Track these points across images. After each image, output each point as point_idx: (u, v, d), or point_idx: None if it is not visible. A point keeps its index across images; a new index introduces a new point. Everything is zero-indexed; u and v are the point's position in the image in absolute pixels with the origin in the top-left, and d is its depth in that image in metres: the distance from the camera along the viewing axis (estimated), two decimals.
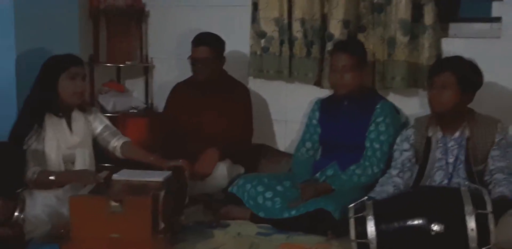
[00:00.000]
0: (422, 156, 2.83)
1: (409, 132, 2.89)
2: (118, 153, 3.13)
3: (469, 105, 2.82)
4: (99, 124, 3.14)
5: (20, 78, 3.21)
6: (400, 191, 2.82)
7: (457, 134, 2.78)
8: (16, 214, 2.53)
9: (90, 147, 3.09)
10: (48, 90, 2.92)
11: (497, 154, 2.74)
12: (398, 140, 2.93)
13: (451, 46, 3.24)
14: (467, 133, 2.76)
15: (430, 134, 2.82)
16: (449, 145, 2.80)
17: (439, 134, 2.81)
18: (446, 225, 2.31)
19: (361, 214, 2.42)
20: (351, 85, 3.09)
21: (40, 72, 2.96)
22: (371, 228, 2.39)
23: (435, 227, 2.32)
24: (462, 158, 2.77)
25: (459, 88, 2.72)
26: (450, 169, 2.79)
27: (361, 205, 2.49)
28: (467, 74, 2.75)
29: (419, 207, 2.40)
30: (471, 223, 2.28)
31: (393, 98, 3.35)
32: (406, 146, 2.88)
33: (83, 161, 3.02)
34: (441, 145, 2.81)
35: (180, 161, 2.96)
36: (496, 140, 2.74)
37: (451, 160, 2.79)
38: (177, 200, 2.77)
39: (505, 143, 2.75)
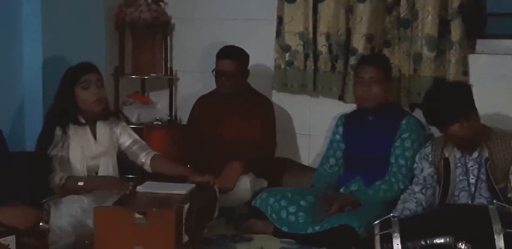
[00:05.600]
0: (443, 176, 2.80)
1: (427, 151, 2.86)
2: (147, 166, 3.14)
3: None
4: (128, 138, 3.15)
5: (46, 91, 3.24)
6: (427, 209, 2.78)
7: (475, 154, 2.75)
8: (41, 224, 2.54)
9: (114, 157, 3.10)
10: (66, 102, 2.95)
11: None
12: (417, 158, 2.91)
13: (478, 63, 3.22)
14: (485, 152, 2.73)
15: (446, 155, 2.79)
16: (469, 165, 2.77)
17: (458, 154, 2.78)
18: (473, 244, 2.28)
19: (387, 231, 2.40)
20: (377, 98, 3.08)
21: (58, 86, 3.00)
22: (397, 245, 2.36)
23: (463, 246, 2.29)
24: (483, 177, 2.74)
25: (469, 119, 2.66)
26: (473, 189, 2.76)
27: (386, 222, 2.46)
28: (470, 108, 2.69)
29: (446, 225, 2.38)
30: (500, 242, 2.25)
31: (419, 114, 3.32)
32: (425, 164, 2.86)
33: (107, 170, 3.04)
34: (459, 164, 2.78)
35: (206, 176, 2.96)
36: None
37: (472, 180, 2.76)
38: (205, 214, 2.77)
39: None
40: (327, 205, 2.94)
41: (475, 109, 2.71)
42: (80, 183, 2.83)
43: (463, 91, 2.74)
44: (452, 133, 2.68)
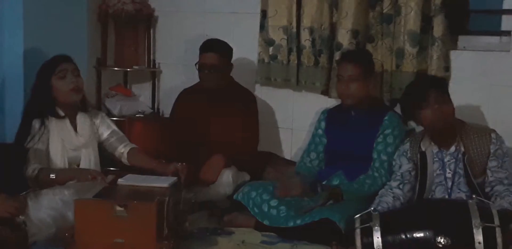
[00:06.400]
0: (420, 170, 2.83)
1: (406, 147, 2.89)
2: (124, 159, 3.15)
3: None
4: (106, 129, 3.15)
5: (27, 82, 3.22)
6: (407, 203, 2.80)
7: (452, 149, 2.78)
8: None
9: (95, 149, 3.09)
10: (44, 95, 2.94)
11: (494, 164, 2.73)
12: (395, 155, 2.93)
13: (460, 59, 3.24)
14: (462, 147, 2.75)
15: (423, 149, 2.82)
16: (446, 159, 2.79)
17: (435, 148, 2.81)
18: (453, 238, 2.31)
19: (368, 224, 2.41)
20: (357, 96, 3.08)
21: (35, 80, 2.99)
22: (377, 239, 2.38)
23: (442, 240, 2.31)
24: (461, 172, 2.76)
25: (440, 103, 2.70)
26: (449, 184, 2.78)
27: (367, 216, 2.48)
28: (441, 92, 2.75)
29: (426, 219, 2.40)
30: (478, 236, 2.28)
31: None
32: (404, 160, 2.88)
33: (88, 162, 3.04)
34: (437, 159, 2.80)
35: (179, 164, 2.94)
36: (492, 150, 2.73)
37: (449, 175, 2.78)
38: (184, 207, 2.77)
39: (501, 152, 2.74)
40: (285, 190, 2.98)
41: (447, 94, 2.75)
42: (52, 176, 2.82)
43: (435, 80, 2.81)
44: (426, 118, 2.70)
